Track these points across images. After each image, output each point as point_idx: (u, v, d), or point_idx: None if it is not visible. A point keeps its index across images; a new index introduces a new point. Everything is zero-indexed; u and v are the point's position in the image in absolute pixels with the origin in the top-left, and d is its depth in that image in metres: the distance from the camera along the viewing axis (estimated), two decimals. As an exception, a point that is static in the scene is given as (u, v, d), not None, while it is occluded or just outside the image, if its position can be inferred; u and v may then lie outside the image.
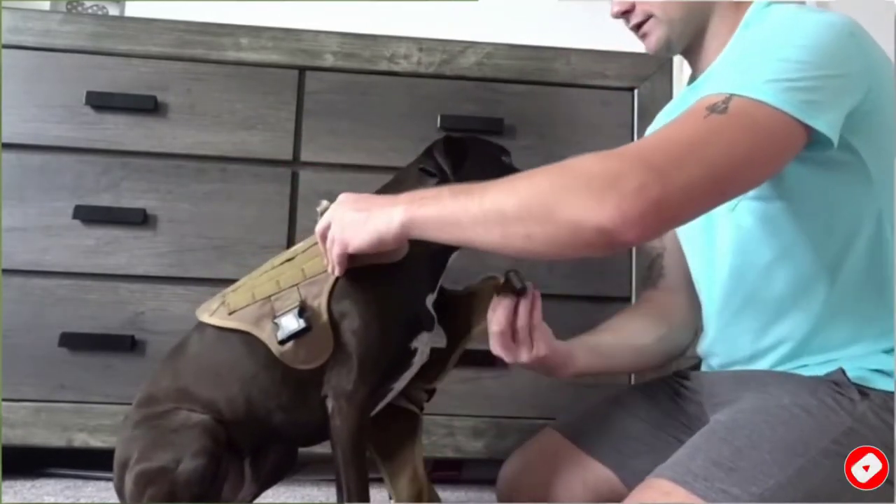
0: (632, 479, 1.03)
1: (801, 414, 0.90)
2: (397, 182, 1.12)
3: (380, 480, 1.15)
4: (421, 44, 1.61)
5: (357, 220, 0.95)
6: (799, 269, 1.00)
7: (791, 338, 1.01)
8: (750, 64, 0.89)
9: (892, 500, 0.91)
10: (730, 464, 0.86)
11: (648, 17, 1.07)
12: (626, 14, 1.09)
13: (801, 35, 0.90)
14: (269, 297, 1.02)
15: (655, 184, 0.77)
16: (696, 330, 1.20)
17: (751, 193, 0.97)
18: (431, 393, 1.16)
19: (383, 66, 1.60)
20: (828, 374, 0.96)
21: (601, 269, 1.58)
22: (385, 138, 1.57)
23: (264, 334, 1.01)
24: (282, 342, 0.99)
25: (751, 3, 1.05)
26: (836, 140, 0.88)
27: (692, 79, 1.13)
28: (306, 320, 0.99)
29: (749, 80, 0.86)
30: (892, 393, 0.93)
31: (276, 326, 1.00)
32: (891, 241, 0.99)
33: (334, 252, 0.98)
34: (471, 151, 1.10)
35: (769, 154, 0.86)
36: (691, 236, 1.14)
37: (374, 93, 1.60)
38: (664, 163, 0.79)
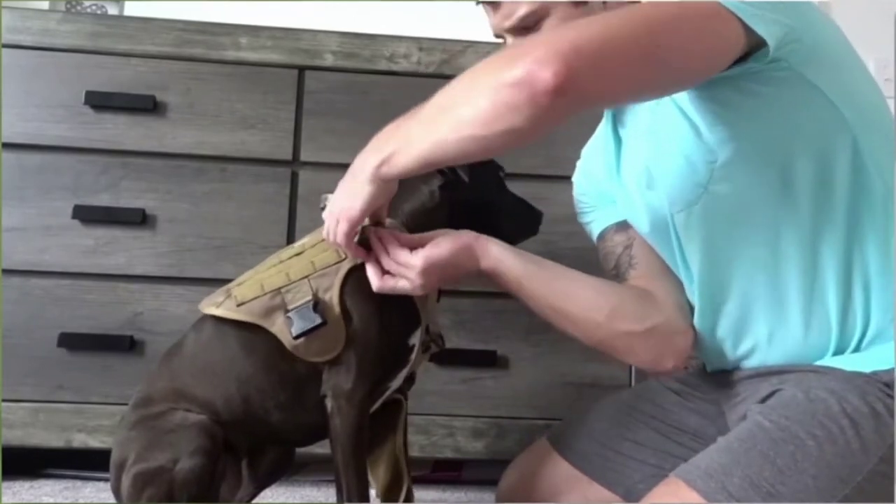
0: (633, 496, 1.01)
1: (849, 427, 0.83)
2: (399, 183, 1.12)
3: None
4: (421, 44, 1.60)
5: (343, 191, 0.97)
6: (793, 240, 0.93)
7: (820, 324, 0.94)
8: None
9: (893, 500, 0.88)
10: (769, 487, 0.80)
11: None
12: None
13: None
14: (279, 289, 1.02)
15: (568, 36, 0.78)
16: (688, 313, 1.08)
17: (713, 176, 0.92)
18: (412, 380, 1.15)
19: (383, 65, 1.59)
20: (874, 373, 0.88)
21: (601, 269, 1.57)
22: (385, 138, 1.56)
23: (275, 327, 1.01)
24: (297, 337, 0.99)
25: None
26: (772, 46, 0.84)
27: None
28: (321, 314, 0.99)
29: None
30: None
31: (290, 320, 1.00)
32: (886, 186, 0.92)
33: (339, 231, 0.98)
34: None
35: (699, 30, 0.81)
36: (663, 252, 1.08)
37: (374, 92, 1.60)
38: (564, 57, 0.76)
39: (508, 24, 1.00)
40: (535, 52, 0.76)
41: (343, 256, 1.03)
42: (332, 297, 1.01)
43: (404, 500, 1.11)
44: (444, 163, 0.91)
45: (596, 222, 1.20)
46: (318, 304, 1.00)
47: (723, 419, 1.07)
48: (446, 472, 1.70)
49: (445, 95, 0.86)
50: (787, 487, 0.80)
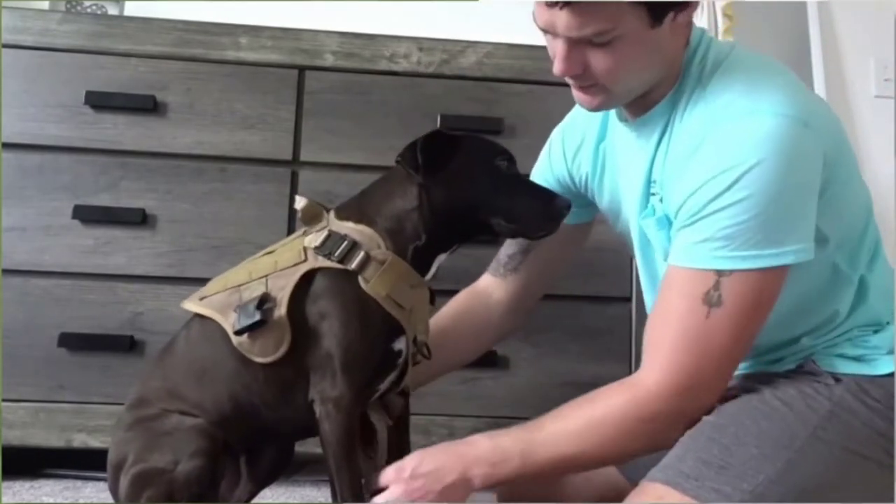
0: (634, 474, 1.03)
1: (781, 406, 0.94)
2: (385, 181, 1.09)
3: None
4: (421, 44, 1.61)
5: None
6: None
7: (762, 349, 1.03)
8: (721, 220, 0.89)
9: (893, 501, 0.93)
10: (719, 462, 0.89)
11: (597, 83, 0.95)
12: (574, 76, 0.95)
13: (766, 165, 0.87)
14: (239, 286, 1.02)
15: (690, 403, 0.93)
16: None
17: None
18: (406, 396, 1.12)
19: (383, 65, 1.60)
20: (799, 366, 1.00)
21: (601, 269, 1.58)
22: (385, 138, 1.56)
23: (227, 323, 1.01)
24: (237, 333, 0.99)
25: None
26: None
27: (631, 113, 1.03)
28: (263, 313, 0.98)
29: (728, 248, 0.89)
30: (864, 377, 0.96)
31: (236, 317, 1.00)
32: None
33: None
34: (461, 150, 1.05)
35: (770, 305, 0.92)
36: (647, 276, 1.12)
37: (374, 92, 1.60)
38: (690, 385, 0.91)
39: (576, 34, 0.90)
40: (673, 424, 0.93)
41: (304, 258, 1.02)
42: (283, 297, 0.99)
43: None
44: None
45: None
46: (262, 303, 0.99)
47: None
48: (446, 472, 1.70)
49: (581, 456, 0.96)
50: (736, 459, 0.89)
